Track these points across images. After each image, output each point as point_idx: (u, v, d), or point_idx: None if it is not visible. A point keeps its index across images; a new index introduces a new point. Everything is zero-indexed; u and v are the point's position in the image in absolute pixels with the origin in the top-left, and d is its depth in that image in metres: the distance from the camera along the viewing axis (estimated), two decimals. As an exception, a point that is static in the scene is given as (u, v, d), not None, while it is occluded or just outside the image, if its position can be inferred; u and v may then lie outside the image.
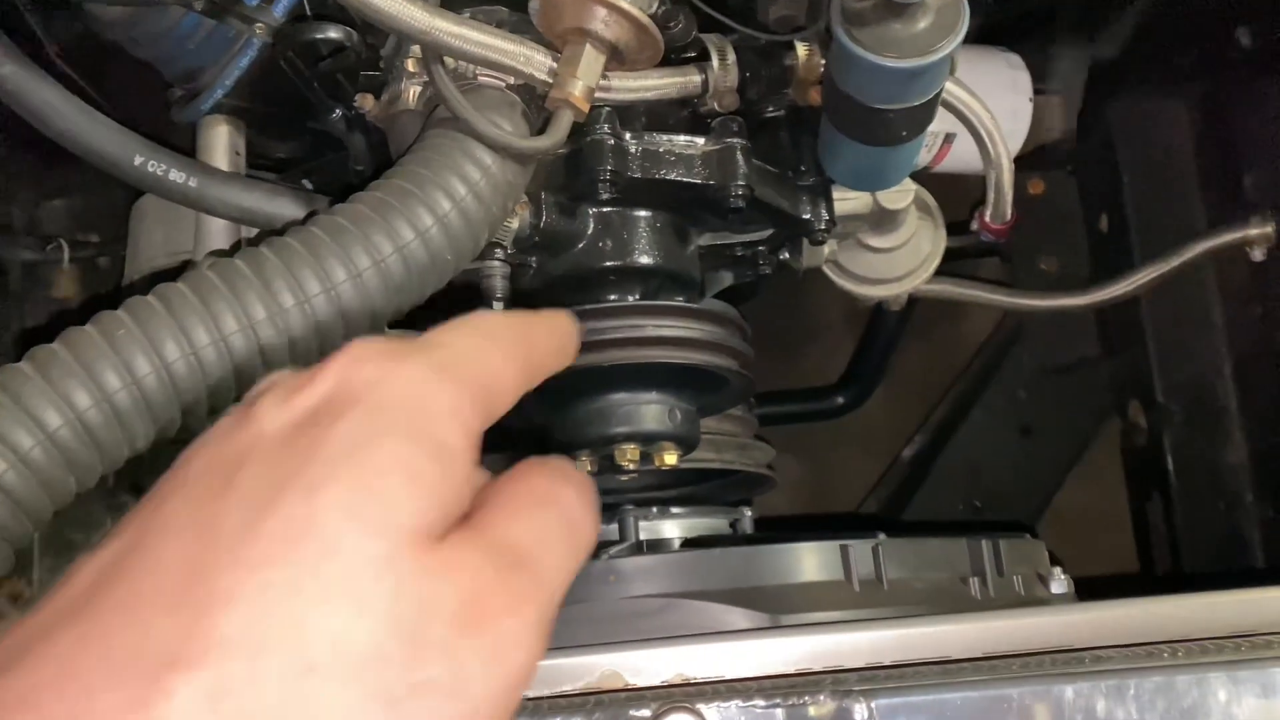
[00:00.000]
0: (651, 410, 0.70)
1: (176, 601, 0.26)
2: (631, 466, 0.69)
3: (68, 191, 0.91)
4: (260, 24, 0.64)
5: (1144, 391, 1.10)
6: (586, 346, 0.65)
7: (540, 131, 0.59)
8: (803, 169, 0.70)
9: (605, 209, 0.68)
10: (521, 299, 0.69)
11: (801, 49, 0.66)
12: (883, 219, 0.78)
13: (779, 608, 0.58)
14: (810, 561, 0.62)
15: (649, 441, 0.70)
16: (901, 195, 0.76)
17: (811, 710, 0.47)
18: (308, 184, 0.76)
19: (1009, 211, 0.79)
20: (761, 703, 0.47)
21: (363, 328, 0.53)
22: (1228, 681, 0.47)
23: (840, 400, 1.23)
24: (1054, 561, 0.72)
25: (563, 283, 0.69)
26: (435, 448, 0.29)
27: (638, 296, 0.70)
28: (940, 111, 0.65)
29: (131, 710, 0.24)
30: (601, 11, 0.57)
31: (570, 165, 0.64)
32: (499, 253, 0.63)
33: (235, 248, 0.67)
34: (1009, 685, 0.47)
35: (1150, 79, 1.07)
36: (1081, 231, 1.17)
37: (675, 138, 0.66)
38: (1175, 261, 0.94)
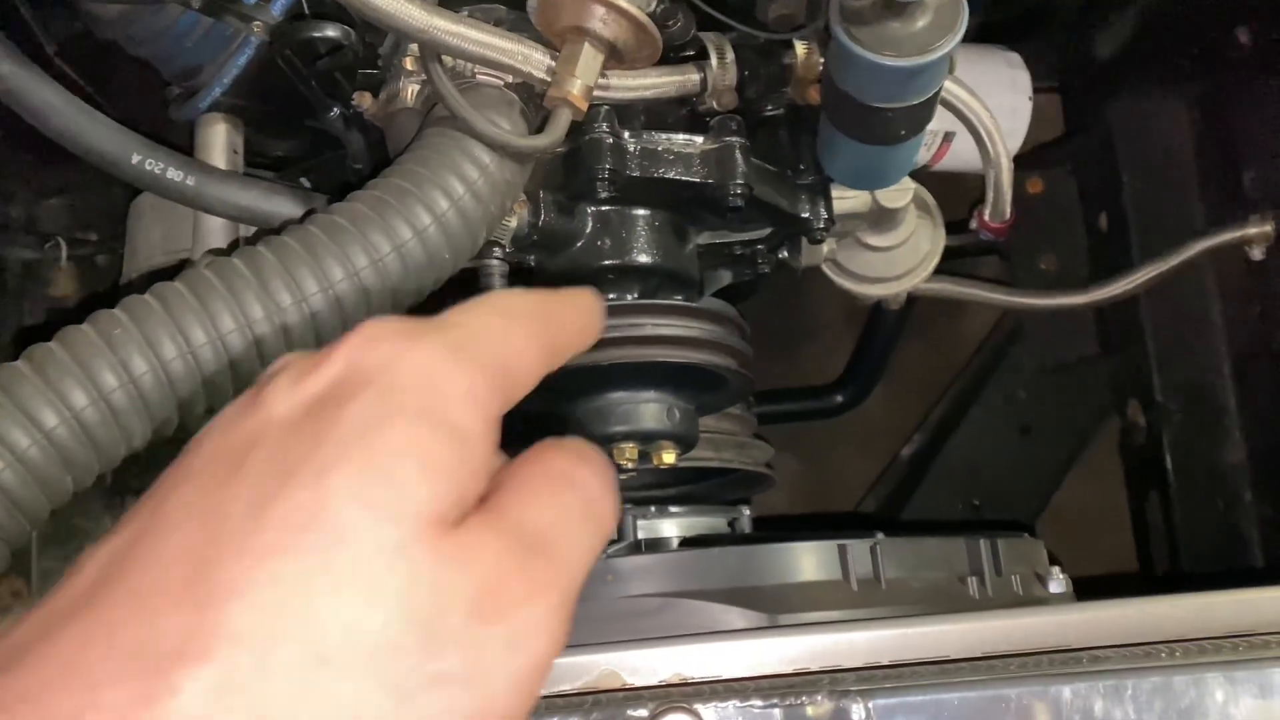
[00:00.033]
0: (650, 409, 0.70)
1: (182, 594, 0.25)
2: (630, 465, 0.69)
3: (66, 190, 0.91)
4: (258, 22, 0.64)
5: (1143, 390, 1.10)
6: (585, 345, 0.65)
7: (538, 130, 0.59)
8: (801, 167, 0.70)
9: (604, 208, 0.68)
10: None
11: (800, 47, 0.66)
12: (882, 217, 0.78)
13: (777, 607, 0.58)
14: (808, 561, 0.62)
15: (647, 440, 0.70)
16: (900, 194, 0.76)
17: (809, 710, 0.47)
18: (306, 182, 0.76)
19: (1008, 210, 0.79)
20: (759, 703, 0.47)
21: (360, 326, 0.53)
22: (1225, 682, 0.47)
23: (839, 399, 1.23)
24: (1052, 561, 0.72)
25: (561, 281, 0.68)
26: (450, 430, 0.28)
27: (636, 295, 0.70)
28: (939, 110, 0.65)
29: (137, 706, 0.23)
30: (600, 10, 0.57)
31: (569, 164, 0.64)
32: (497, 251, 0.63)
33: (233, 246, 0.67)
34: (1006, 685, 0.47)
35: (1150, 78, 1.07)
36: (1081, 230, 1.17)
37: (674, 136, 0.66)
38: (1174, 260, 0.94)
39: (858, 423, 1.23)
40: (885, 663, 0.50)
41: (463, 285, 0.62)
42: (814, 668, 0.50)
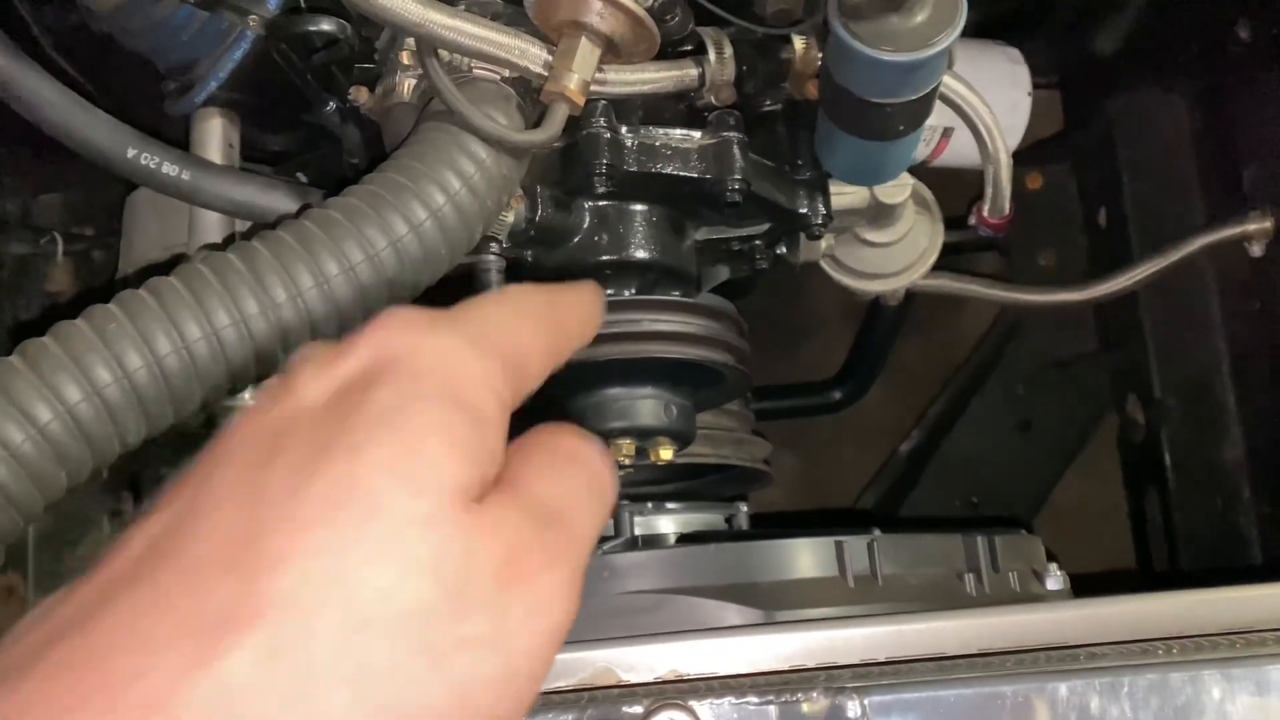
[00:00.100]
0: (647, 405, 0.70)
1: (231, 564, 0.27)
2: (627, 461, 0.69)
3: (62, 184, 0.91)
4: (254, 16, 0.64)
5: (1142, 387, 1.10)
6: (582, 341, 0.65)
7: (535, 125, 0.58)
8: (800, 163, 0.70)
9: (601, 203, 0.67)
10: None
11: (799, 42, 0.66)
12: (880, 213, 0.78)
13: (773, 604, 0.58)
14: (805, 558, 0.62)
15: (645, 436, 0.70)
16: (899, 190, 0.76)
17: (805, 707, 0.46)
18: (302, 177, 0.76)
19: (1007, 206, 0.79)
20: (755, 699, 0.47)
21: (356, 322, 0.53)
22: (1222, 679, 0.47)
23: (837, 395, 1.23)
24: (1050, 558, 0.72)
25: (558, 277, 0.68)
26: (471, 413, 0.30)
27: (634, 291, 0.69)
28: (938, 105, 0.65)
29: (193, 667, 0.25)
30: (597, 4, 0.57)
31: (566, 159, 0.64)
32: (494, 247, 0.63)
33: (229, 241, 0.67)
34: (1003, 682, 0.47)
35: (1150, 74, 1.07)
36: (1080, 226, 1.17)
37: (672, 131, 0.65)
38: (1174, 257, 0.94)
39: (856, 419, 1.23)
40: (881, 659, 0.50)
41: (460, 282, 0.62)
42: (810, 664, 0.49)
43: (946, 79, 0.66)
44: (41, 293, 0.89)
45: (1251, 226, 0.92)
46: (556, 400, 0.71)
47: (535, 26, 0.59)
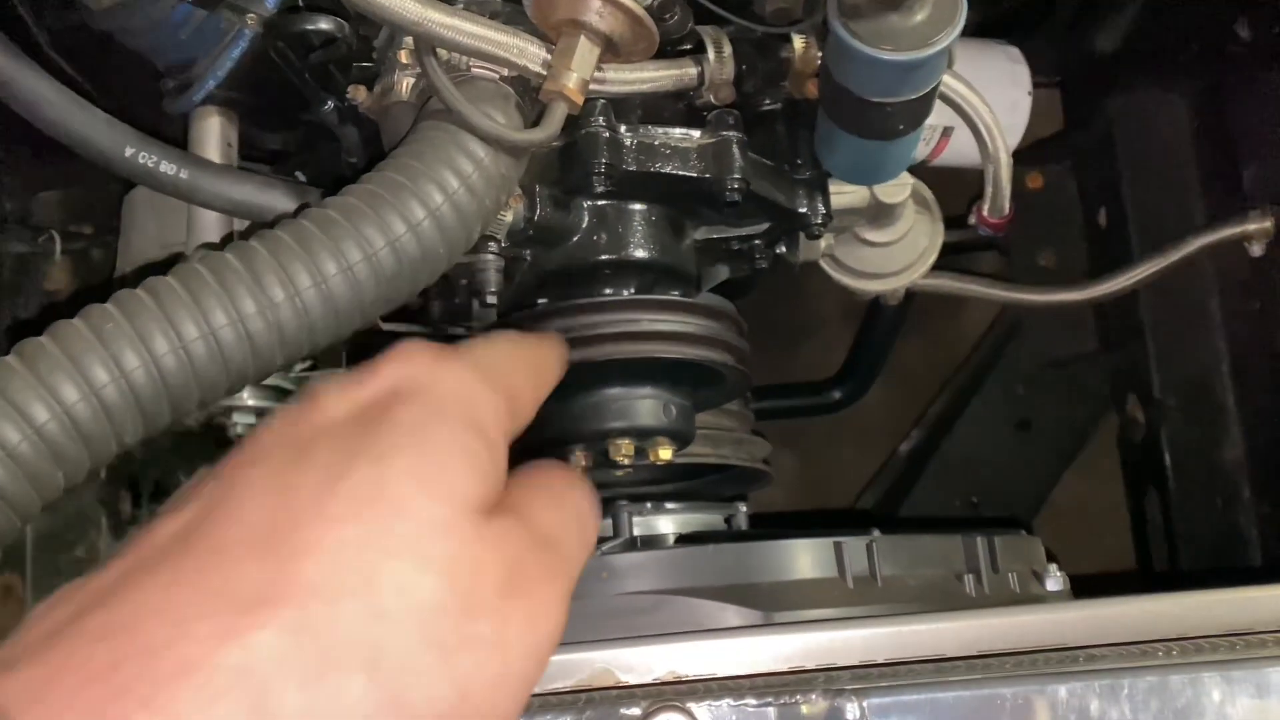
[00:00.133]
0: (646, 405, 0.69)
1: (263, 549, 0.29)
2: (626, 462, 0.69)
3: (60, 183, 0.91)
4: (252, 15, 0.63)
5: (1142, 387, 1.09)
6: (582, 341, 0.65)
7: (534, 124, 0.58)
8: (799, 162, 0.69)
9: (600, 202, 0.67)
10: (516, 292, 0.69)
11: (798, 41, 0.65)
12: (880, 213, 0.78)
13: (772, 605, 0.58)
14: (804, 558, 0.61)
15: (644, 436, 0.69)
16: (899, 189, 0.75)
17: (803, 709, 0.46)
18: (300, 176, 0.76)
19: (1007, 206, 0.79)
20: (753, 701, 0.47)
21: (354, 321, 0.53)
22: (1221, 681, 0.47)
23: (837, 395, 1.22)
24: (1050, 558, 0.72)
25: (557, 276, 0.68)
26: (485, 437, 0.34)
27: (633, 290, 0.69)
28: (938, 105, 0.64)
29: (226, 637, 0.27)
30: (596, 3, 0.57)
31: (565, 158, 0.64)
32: (493, 246, 0.63)
33: (227, 240, 0.67)
34: (1002, 684, 0.47)
35: (1150, 73, 1.07)
36: (1080, 226, 1.17)
37: (671, 131, 0.65)
38: (1174, 256, 0.94)
39: (855, 419, 1.23)
40: (880, 661, 0.50)
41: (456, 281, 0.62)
42: (809, 666, 0.49)
43: (946, 78, 0.66)
44: (40, 291, 0.89)
45: (1251, 226, 0.92)
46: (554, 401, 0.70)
47: (534, 25, 0.59)
